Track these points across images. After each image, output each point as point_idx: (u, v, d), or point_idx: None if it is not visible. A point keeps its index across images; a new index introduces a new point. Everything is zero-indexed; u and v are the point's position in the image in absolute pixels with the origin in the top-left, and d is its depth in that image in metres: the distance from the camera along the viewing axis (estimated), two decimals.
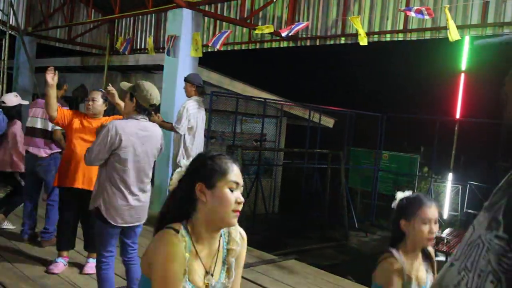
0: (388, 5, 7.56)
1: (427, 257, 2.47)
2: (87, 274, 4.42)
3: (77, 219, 4.54)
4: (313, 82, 16.49)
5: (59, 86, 5.23)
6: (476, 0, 6.59)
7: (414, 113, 13.70)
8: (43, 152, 5.13)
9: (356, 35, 6.78)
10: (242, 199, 1.71)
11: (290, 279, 4.97)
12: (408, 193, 2.46)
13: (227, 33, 7.17)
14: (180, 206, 1.74)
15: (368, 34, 7.09)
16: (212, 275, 1.76)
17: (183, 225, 1.70)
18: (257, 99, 10.49)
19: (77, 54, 12.44)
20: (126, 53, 9.09)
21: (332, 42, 8.40)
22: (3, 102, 5.52)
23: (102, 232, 3.43)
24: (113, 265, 3.48)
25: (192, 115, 5.64)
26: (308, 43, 8.73)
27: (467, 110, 12.46)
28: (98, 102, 4.37)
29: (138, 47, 12.03)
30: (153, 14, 11.32)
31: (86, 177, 4.31)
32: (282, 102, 11.24)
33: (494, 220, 0.85)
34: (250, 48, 9.80)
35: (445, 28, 6.81)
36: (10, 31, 9.73)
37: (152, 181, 3.73)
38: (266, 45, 9.51)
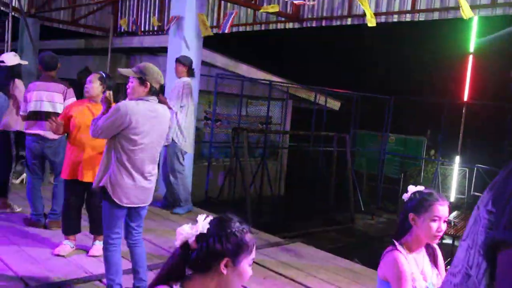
0: None
1: (430, 252, 2.44)
2: (93, 256, 4.42)
3: (82, 203, 4.52)
4: (319, 65, 16.33)
5: (53, 67, 5.17)
6: None
7: (422, 95, 13.56)
8: (52, 135, 5.05)
9: (362, 16, 6.67)
10: (250, 274, 1.72)
11: (298, 262, 4.96)
12: (421, 187, 2.42)
13: (233, 14, 7.06)
14: (189, 264, 1.66)
15: (375, 14, 6.96)
16: None
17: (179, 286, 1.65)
18: (263, 81, 10.40)
19: (81, 36, 12.35)
20: (138, 32, 9.09)
21: (338, 23, 8.28)
22: (2, 62, 5.41)
23: (108, 213, 3.41)
24: (120, 247, 3.47)
25: (186, 94, 6.05)
26: (314, 24, 8.60)
27: (475, 92, 12.32)
28: (95, 85, 4.29)
29: (142, 29, 11.91)
30: None
31: (94, 171, 4.18)
32: (288, 85, 11.14)
33: (490, 196, 0.87)
34: (255, 29, 9.68)
35: (454, 8, 6.69)
36: (13, 13, 9.64)
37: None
38: (271, 27, 9.39)
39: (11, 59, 5.50)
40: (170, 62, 7.07)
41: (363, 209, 11.10)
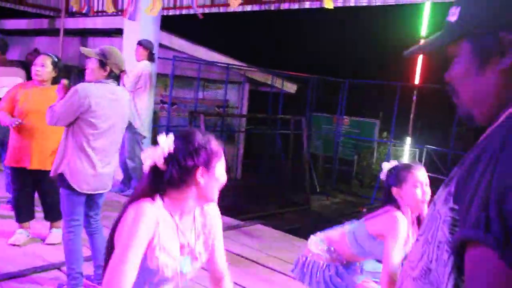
0: None
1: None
2: (51, 244, 4.32)
3: (33, 190, 4.35)
4: (277, 48, 16.38)
5: (2, 51, 4.95)
6: None
7: (375, 79, 13.87)
8: None
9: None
10: (225, 175, 1.80)
11: (258, 244, 5.04)
12: (394, 162, 2.50)
13: None
14: (162, 184, 1.68)
15: None
16: (188, 246, 1.76)
17: (160, 198, 1.68)
18: (220, 64, 10.34)
19: (30, 16, 11.80)
20: (90, 13, 8.79)
21: (297, 6, 8.30)
22: None
23: (67, 200, 3.33)
24: (80, 234, 3.41)
25: (144, 76, 6.05)
26: (272, 7, 8.59)
27: (426, 76, 12.71)
28: (47, 69, 4.09)
29: (96, 9, 11.51)
30: None
31: (41, 156, 4.06)
32: (245, 68, 11.12)
33: (448, 193, 0.88)
34: (212, 12, 9.56)
35: None
36: None
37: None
38: (228, 9, 9.29)
39: None
40: (127, 46, 6.92)
41: (318, 191, 11.32)
